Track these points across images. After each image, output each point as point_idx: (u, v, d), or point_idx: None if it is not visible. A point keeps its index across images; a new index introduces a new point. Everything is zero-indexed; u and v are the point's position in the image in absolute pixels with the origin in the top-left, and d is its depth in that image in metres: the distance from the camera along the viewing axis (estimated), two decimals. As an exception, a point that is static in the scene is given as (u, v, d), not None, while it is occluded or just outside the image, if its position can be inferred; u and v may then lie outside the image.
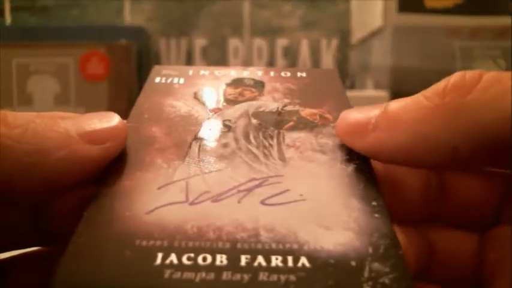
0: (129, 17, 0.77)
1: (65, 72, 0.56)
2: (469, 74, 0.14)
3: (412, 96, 0.15)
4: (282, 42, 0.78)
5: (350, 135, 0.16)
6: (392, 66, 0.57)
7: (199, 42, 0.78)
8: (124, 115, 0.18)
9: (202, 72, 0.22)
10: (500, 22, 0.56)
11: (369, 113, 0.15)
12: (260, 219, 0.13)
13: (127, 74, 0.57)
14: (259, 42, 0.78)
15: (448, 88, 0.14)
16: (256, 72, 0.22)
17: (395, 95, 0.55)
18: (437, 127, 0.14)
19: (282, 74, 0.22)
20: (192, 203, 0.14)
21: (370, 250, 0.12)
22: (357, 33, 0.73)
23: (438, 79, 0.15)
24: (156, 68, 0.22)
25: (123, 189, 0.15)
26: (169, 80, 0.21)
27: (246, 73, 0.22)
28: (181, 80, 0.21)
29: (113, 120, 0.16)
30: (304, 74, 0.21)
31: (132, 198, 0.14)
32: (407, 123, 0.14)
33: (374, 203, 0.14)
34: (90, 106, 0.55)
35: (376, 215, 0.14)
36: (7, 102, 0.55)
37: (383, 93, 0.57)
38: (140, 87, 0.20)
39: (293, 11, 0.79)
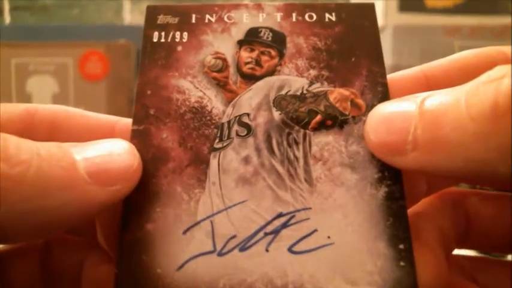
0: (129, 16, 0.77)
1: (64, 72, 0.56)
2: None
3: (453, 111, 0.13)
4: (281, 42, 0.78)
5: (385, 152, 0.15)
6: (392, 66, 0.57)
7: (199, 42, 0.78)
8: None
9: (208, 16, 0.19)
10: (500, 22, 0.56)
11: (403, 125, 0.14)
12: (288, 272, 0.14)
13: (126, 74, 0.56)
14: (259, 42, 0.78)
15: (499, 106, 0.12)
16: (274, 15, 0.18)
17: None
18: (493, 157, 0.12)
19: (307, 17, 0.18)
20: (220, 254, 0.14)
21: None
22: (357, 33, 0.73)
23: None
24: (150, 14, 0.19)
25: (147, 235, 0.14)
26: (169, 37, 0.18)
27: (262, 16, 0.18)
28: (185, 35, 0.18)
29: (128, 157, 0.14)
30: (333, 17, 0.18)
31: (159, 247, 0.14)
32: (454, 147, 0.13)
33: (401, 246, 0.14)
34: (89, 106, 0.55)
35: (402, 263, 0.14)
36: (6, 102, 0.54)
37: (383, 93, 0.57)
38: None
39: (293, 10, 0.79)
